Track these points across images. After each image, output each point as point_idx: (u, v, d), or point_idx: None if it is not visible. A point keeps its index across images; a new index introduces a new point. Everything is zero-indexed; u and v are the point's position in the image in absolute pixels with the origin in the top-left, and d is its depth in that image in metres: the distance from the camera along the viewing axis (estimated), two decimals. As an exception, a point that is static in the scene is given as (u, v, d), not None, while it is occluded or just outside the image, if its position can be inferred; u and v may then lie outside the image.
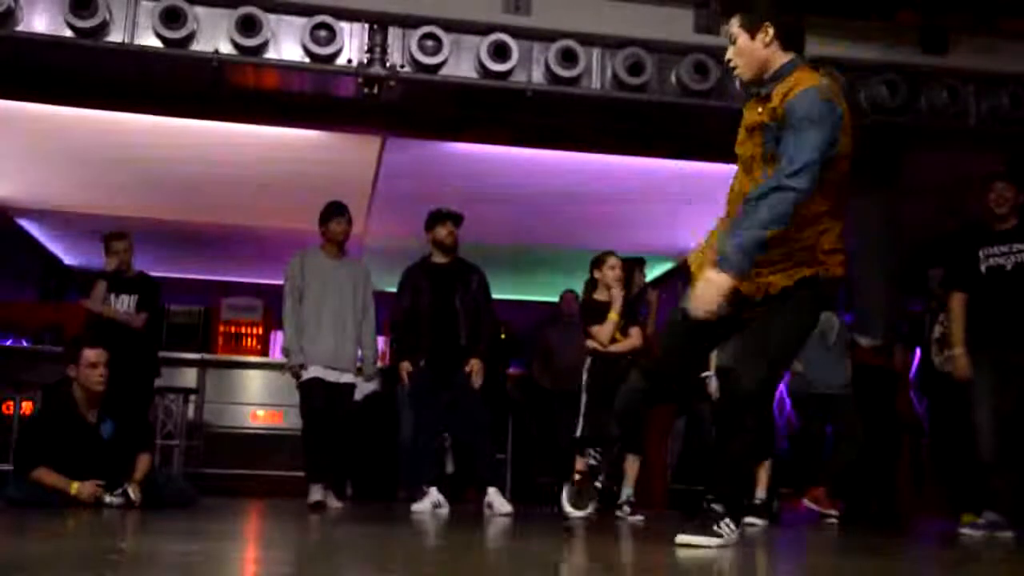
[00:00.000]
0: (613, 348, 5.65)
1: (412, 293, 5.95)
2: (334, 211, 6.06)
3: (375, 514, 5.77)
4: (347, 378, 5.92)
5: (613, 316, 5.64)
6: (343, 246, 6.08)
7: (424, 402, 5.86)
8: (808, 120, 3.11)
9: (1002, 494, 5.00)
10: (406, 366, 5.85)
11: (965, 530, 4.93)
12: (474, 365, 5.80)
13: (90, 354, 5.13)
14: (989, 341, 5.05)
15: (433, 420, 5.88)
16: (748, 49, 3.36)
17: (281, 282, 6.04)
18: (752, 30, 3.34)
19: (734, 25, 3.38)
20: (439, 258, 6.02)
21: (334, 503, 5.74)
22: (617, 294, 5.70)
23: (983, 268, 5.14)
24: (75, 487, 4.91)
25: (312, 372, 5.82)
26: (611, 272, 5.72)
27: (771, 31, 3.31)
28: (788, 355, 3.56)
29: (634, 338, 5.71)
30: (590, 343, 5.70)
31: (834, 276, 3.34)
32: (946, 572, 3.59)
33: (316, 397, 5.81)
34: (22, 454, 5.17)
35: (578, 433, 5.64)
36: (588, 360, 5.73)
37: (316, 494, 5.67)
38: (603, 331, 5.63)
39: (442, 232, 5.96)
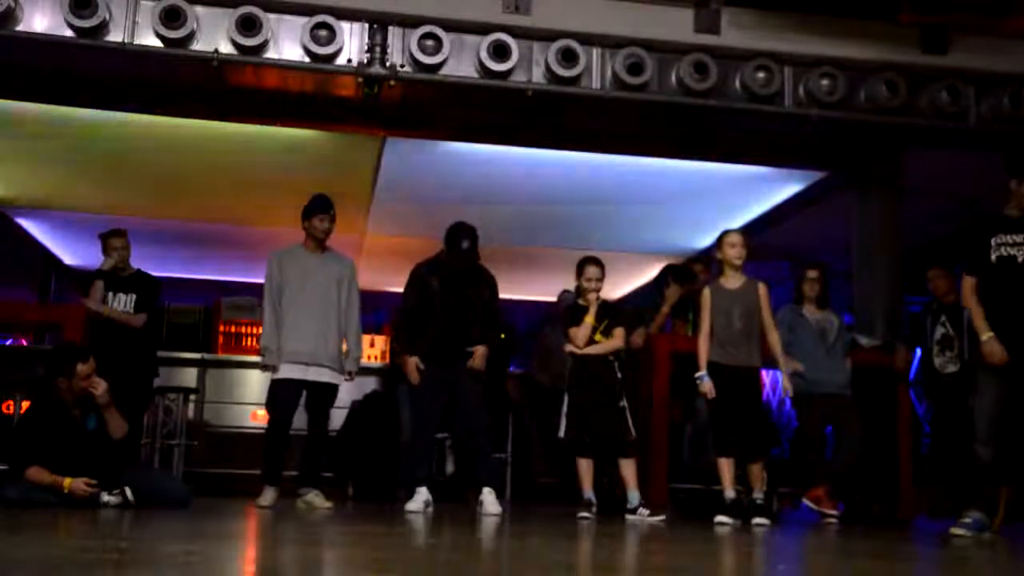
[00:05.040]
0: (589, 350, 5.70)
1: (420, 291, 5.93)
2: (319, 207, 5.95)
3: (375, 514, 5.77)
4: (328, 377, 5.84)
5: (588, 319, 5.71)
6: (324, 243, 6.01)
7: (425, 400, 5.86)
8: None
9: (991, 499, 4.94)
10: (414, 361, 5.83)
11: (959, 531, 4.82)
12: (477, 349, 5.79)
13: (83, 368, 5.21)
14: (997, 335, 4.89)
15: (432, 419, 5.87)
16: None
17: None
18: None
19: None
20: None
21: (323, 503, 5.71)
22: (593, 299, 5.75)
23: (994, 256, 4.98)
24: (67, 483, 4.93)
25: (285, 372, 5.77)
26: (586, 283, 5.78)
27: None
28: None
29: (616, 339, 5.74)
30: (568, 346, 5.76)
31: None
32: (946, 572, 3.59)
33: (283, 398, 5.78)
34: (14, 454, 5.20)
35: (561, 433, 5.68)
36: (569, 362, 5.79)
37: (268, 496, 5.67)
38: (579, 333, 5.70)
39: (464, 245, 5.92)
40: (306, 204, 6.01)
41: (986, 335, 4.92)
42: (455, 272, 5.88)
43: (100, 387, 5.23)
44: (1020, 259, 4.93)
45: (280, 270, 5.89)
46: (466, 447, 6.28)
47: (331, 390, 5.91)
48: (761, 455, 5.62)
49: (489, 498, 5.61)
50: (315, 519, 5.03)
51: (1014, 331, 4.88)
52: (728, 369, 5.52)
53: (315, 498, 5.71)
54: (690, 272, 7.42)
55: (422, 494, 5.64)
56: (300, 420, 6.02)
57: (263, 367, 5.90)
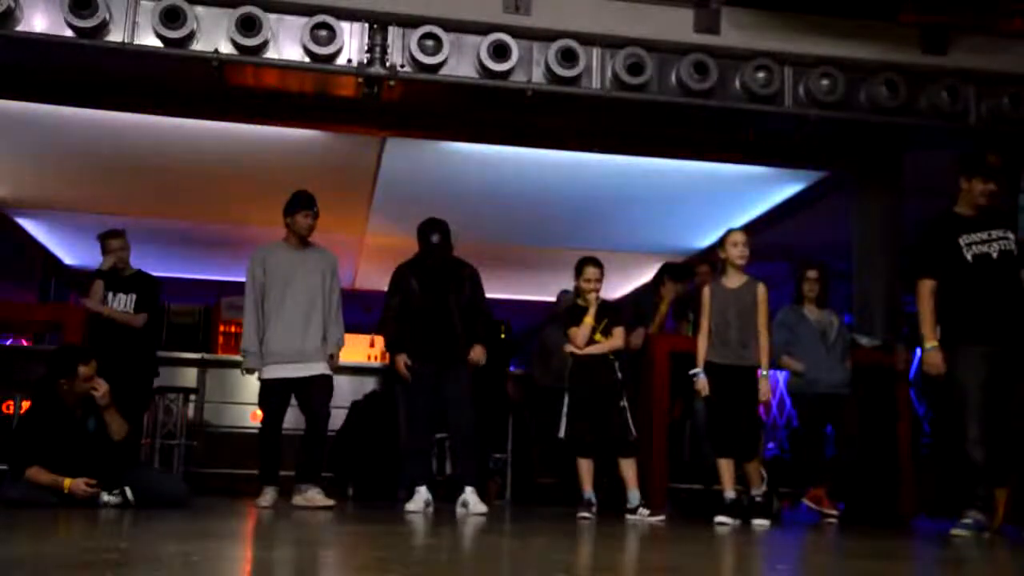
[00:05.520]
0: (590, 350, 5.72)
1: (401, 292, 5.94)
2: (303, 203, 5.95)
3: (375, 514, 5.77)
4: (318, 370, 5.82)
5: (588, 320, 5.73)
6: (306, 239, 6.02)
7: (416, 399, 5.86)
8: None
9: (987, 499, 4.91)
10: (404, 359, 5.83)
11: (958, 531, 4.80)
12: (476, 351, 5.82)
13: (85, 371, 5.23)
14: (981, 334, 4.89)
15: (424, 417, 5.87)
16: None
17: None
18: None
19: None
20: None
21: (324, 500, 5.71)
22: (593, 299, 5.77)
23: (969, 257, 4.99)
24: (68, 484, 4.94)
25: (273, 372, 5.77)
26: (585, 284, 5.79)
27: None
28: None
29: (615, 339, 5.75)
30: (568, 346, 5.78)
31: None
32: (946, 572, 3.59)
33: (272, 399, 5.79)
34: (15, 454, 5.20)
35: (561, 433, 5.69)
36: (569, 362, 5.80)
37: (268, 497, 5.68)
38: (579, 333, 5.72)
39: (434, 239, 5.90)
40: (288, 200, 6.01)
41: (931, 343, 4.98)
42: (432, 270, 5.89)
43: (101, 388, 5.24)
44: (995, 255, 4.94)
45: (264, 270, 5.88)
46: (454, 446, 6.29)
47: (323, 380, 5.85)
48: (754, 454, 5.63)
49: (473, 498, 5.61)
50: (315, 519, 5.03)
51: (997, 326, 4.88)
52: (722, 368, 5.54)
53: (316, 495, 5.71)
54: (687, 269, 7.42)
55: (422, 494, 5.64)
56: (298, 420, 6.02)
57: (244, 370, 5.90)
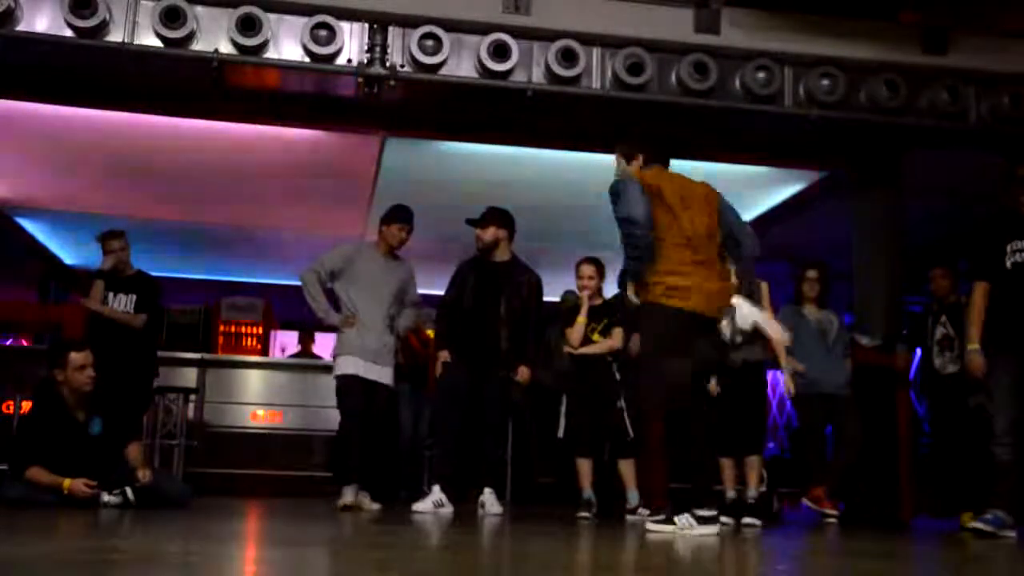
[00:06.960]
0: (584, 349, 5.72)
1: (459, 287, 5.94)
2: (401, 217, 6.00)
3: (376, 514, 5.78)
4: (387, 379, 5.88)
5: (580, 319, 5.74)
6: (394, 250, 6.04)
7: (451, 398, 5.83)
8: None
9: (1008, 497, 4.90)
10: (444, 355, 5.81)
11: (977, 524, 4.73)
12: (523, 372, 5.77)
13: (77, 357, 5.19)
14: (1012, 341, 4.86)
15: (457, 417, 5.85)
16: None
17: (281, 281, 6.03)
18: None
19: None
20: (491, 256, 5.97)
21: (370, 505, 5.75)
22: (585, 298, 5.78)
23: (1008, 263, 4.93)
24: (67, 484, 4.94)
25: (348, 366, 5.78)
26: (579, 281, 5.87)
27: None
28: None
29: (613, 339, 5.75)
30: (565, 347, 5.80)
31: None
32: (946, 572, 3.59)
33: (354, 395, 5.77)
34: (15, 454, 5.20)
35: (560, 433, 5.71)
36: (567, 361, 5.82)
37: (348, 496, 5.65)
38: (573, 333, 5.73)
39: (483, 235, 5.89)
40: (389, 210, 6.06)
41: (973, 346, 4.99)
42: (490, 269, 5.87)
43: (146, 477, 5.16)
44: None
45: (349, 260, 5.89)
46: (475, 446, 6.26)
47: (386, 391, 5.93)
48: (759, 447, 5.64)
49: (490, 499, 5.64)
50: (314, 519, 5.03)
51: None
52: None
53: (363, 499, 5.76)
54: None
55: (434, 494, 5.63)
56: (299, 421, 6.02)
57: (334, 327, 5.87)
